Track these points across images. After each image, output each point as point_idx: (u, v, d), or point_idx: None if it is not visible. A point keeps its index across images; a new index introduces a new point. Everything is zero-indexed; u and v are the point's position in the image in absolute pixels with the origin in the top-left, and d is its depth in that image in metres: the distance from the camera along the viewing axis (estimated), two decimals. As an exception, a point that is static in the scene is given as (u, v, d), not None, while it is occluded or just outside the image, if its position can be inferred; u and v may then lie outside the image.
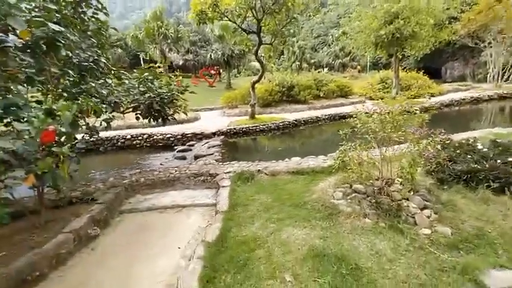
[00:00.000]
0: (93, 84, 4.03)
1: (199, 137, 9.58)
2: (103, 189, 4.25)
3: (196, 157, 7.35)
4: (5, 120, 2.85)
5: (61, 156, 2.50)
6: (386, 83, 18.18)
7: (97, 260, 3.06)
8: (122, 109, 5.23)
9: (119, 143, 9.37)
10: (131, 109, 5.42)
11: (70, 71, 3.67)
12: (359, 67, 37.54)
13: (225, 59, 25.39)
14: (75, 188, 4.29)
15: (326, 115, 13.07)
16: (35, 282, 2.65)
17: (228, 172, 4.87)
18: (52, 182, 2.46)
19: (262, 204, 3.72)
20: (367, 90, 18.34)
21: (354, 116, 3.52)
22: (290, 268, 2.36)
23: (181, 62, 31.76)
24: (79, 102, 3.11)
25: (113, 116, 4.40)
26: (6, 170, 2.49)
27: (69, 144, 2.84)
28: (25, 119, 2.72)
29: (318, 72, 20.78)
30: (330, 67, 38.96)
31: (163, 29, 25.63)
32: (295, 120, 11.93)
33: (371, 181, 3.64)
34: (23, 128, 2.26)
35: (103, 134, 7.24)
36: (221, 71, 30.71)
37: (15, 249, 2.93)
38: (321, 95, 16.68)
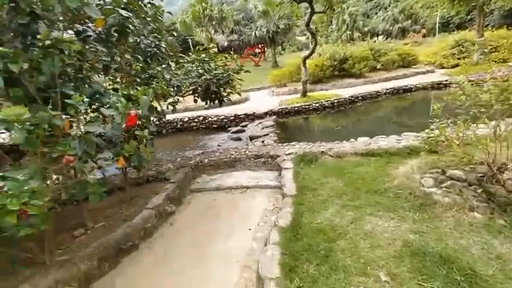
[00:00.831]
0: (159, 69, 4.13)
1: (251, 117, 9.52)
2: (173, 169, 4.50)
3: (251, 138, 7.33)
4: (92, 107, 3.11)
5: (143, 139, 2.60)
6: (463, 46, 14.99)
7: (176, 234, 3.28)
8: (182, 92, 5.37)
9: (178, 126, 9.98)
10: (190, 92, 5.53)
11: (140, 57, 3.79)
12: (423, 31, 31.93)
13: (270, 35, 24.31)
14: (150, 168, 4.65)
15: (387, 89, 11.63)
16: (129, 252, 2.96)
17: (289, 154, 4.65)
18: (138, 163, 2.60)
19: (333, 188, 3.43)
20: (437, 58, 15.52)
21: (455, 86, 2.83)
22: (383, 266, 2.07)
23: (226, 43, 31.69)
24: (154, 86, 3.19)
25: (177, 99, 4.51)
26: (97, 153, 2.73)
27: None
28: (108, 105, 2.91)
29: (374, 41, 18.31)
30: (387, 34, 33.94)
31: (207, 10, 25.70)
32: (352, 97, 10.86)
33: (470, 166, 2.99)
34: (109, 113, 2.38)
35: (166, 117, 7.74)
36: (265, 49, 29.75)
37: (110, 221, 3.32)
38: (379, 67, 14.81)
